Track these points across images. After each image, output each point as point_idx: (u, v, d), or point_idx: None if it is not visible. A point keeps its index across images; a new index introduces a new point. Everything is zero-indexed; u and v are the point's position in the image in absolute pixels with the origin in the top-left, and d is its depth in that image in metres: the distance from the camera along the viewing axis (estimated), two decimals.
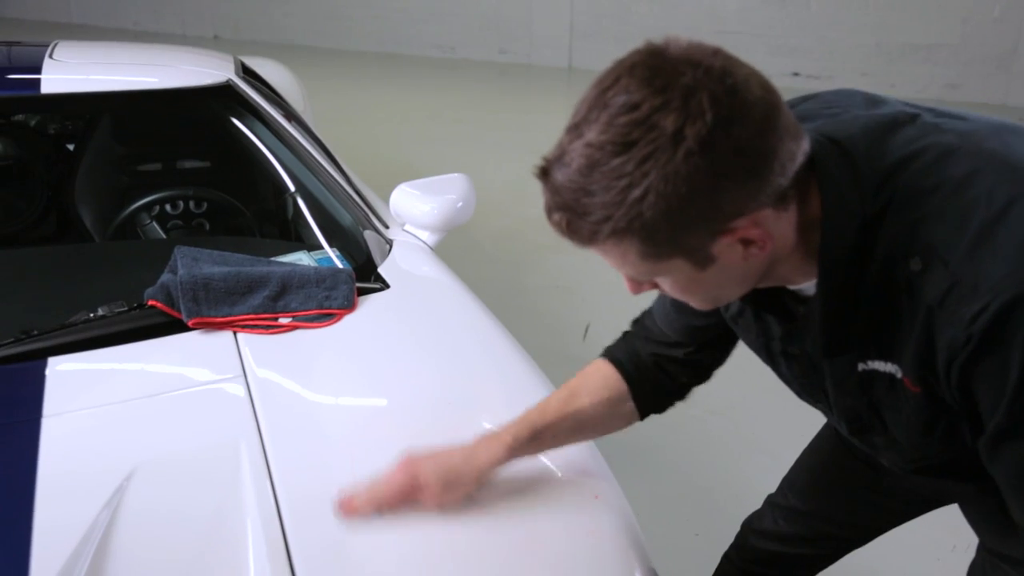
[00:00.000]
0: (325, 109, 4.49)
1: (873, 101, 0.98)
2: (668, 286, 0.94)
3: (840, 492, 1.48)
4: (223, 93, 2.29)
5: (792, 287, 0.98)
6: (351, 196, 2.16)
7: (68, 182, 2.50)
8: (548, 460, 1.32)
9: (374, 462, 1.26)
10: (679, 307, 1.19)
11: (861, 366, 0.97)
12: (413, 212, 2.05)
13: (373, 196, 2.37)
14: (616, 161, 0.78)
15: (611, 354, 1.27)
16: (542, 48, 8.50)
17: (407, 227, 2.08)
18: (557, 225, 0.86)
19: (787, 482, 1.59)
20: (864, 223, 0.87)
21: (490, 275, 3.86)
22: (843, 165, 0.88)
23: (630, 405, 1.24)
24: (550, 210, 0.85)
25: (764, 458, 2.62)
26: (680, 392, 1.27)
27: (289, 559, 1.13)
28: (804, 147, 0.86)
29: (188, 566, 1.14)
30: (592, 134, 0.80)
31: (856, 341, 0.95)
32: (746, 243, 0.85)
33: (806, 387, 1.11)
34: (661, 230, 0.81)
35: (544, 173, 0.85)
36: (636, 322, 1.29)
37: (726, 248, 0.85)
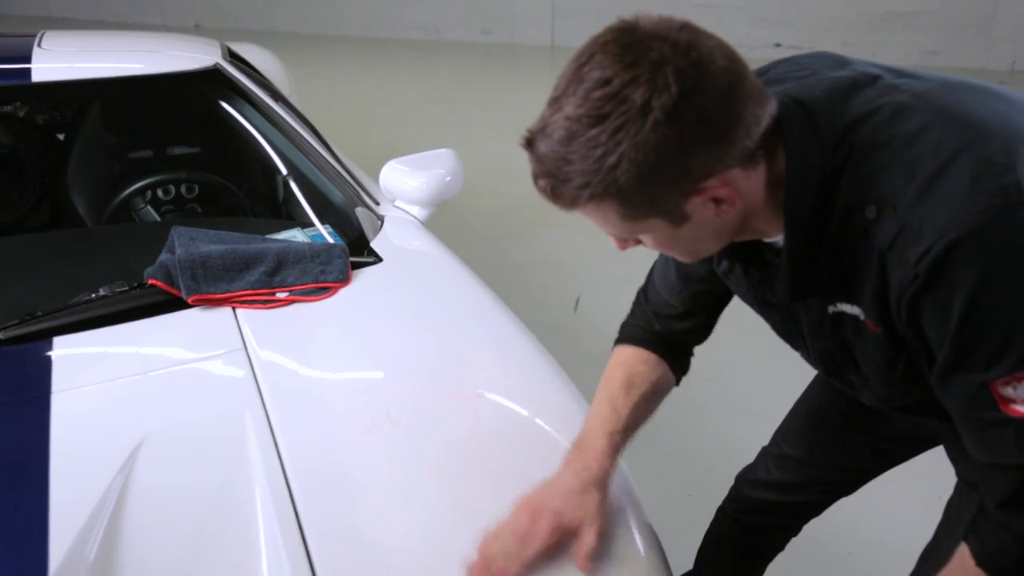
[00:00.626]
0: (313, 94, 4.49)
1: (841, 62, 1.04)
2: (650, 242, 1.00)
3: (831, 436, 1.54)
4: (211, 77, 2.32)
5: (767, 240, 1.04)
6: (341, 175, 2.20)
7: (60, 171, 2.53)
8: (542, 422, 1.37)
9: (373, 427, 1.31)
10: (683, 277, 1.26)
11: (831, 309, 1.03)
12: (403, 188, 2.09)
13: (363, 175, 2.41)
14: (592, 132, 0.85)
15: (636, 340, 1.33)
16: (525, 27, 8.50)
17: (397, 203, 2.12)
18: (543, 191, 0.93)
19: (780, 431, 1.65)
20: (825, 177, 0.94)
21: (481, 252, 3.88)
22: (806, 124, 0.94)
23: (670, 376, 1.32)
24: (536, 177, 0.93)
25: (754, 421, 2.67)
26: (691, 351, 1.35)
27: (299, 526, 1.16)
28: (770, 110, 0.92)
29: (200, 533, 1.18)
30: (570, 107, 0.86)
31: (823, 286, 1.01)
32: (717, 201, 0.92)
33: (787, 334, 1.18)
34: (636, 193, 0.88)
35: (529, 143, 0.92)
36: (640, 302, 1.35)
37: (699, 206, 0.92)
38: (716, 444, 2.61)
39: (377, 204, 2.14)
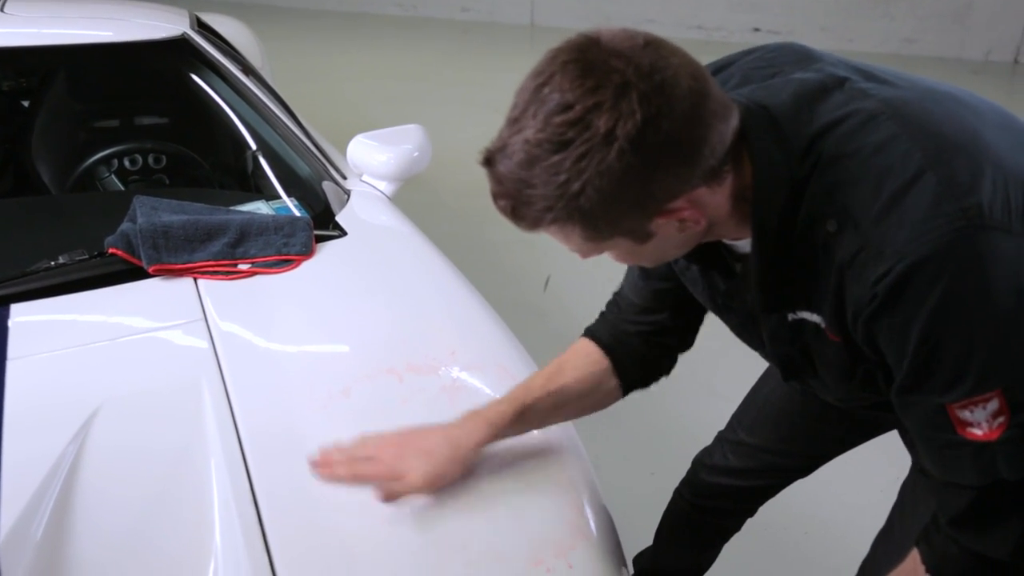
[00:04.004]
0: (288, 68, 4.44)
1: (808, 58, 1.02)
2: (613, 256, 1.00)
3: (785, 423, 1.55)
4: (178, 46, 2.29)
5: (727, 241, 1.03)
6: (309, 148, 2.18)
7: (24, 138, 2.48)
8: (497, 395, 1.37)
9: (328, 398, 1.32)
10: (644, 274, 1.24)
11: (791, 316, 1.02)
12: (370, 162, 2.08)
13: (332, 149, 2.39)
14: (554, 158, 0.83)
15: (591, 332, 1.30)
16: (504, 5, 8.46)
17: (365, 177, 2.11)
18: (503, 211, 0.90)
19: (736, 418, 1.66)
20: (792, 187, 0.91)
21: (454, 230, 3.90)
22: (771, 132, 0.92)
23: (614, 381, 1.27)
24: (496, 197, 0.90)
25: (717, 401, 2.70)
26: (666, 366, 1.31)
27: (253, 493, 1.17)
28: (733, 124, 0.89)
29: (154, 498, 1.18)
30: (530, 131, 0.83)
31: (789, 296, 0.99)
32: (681, 220, 0.90)
33: (746, 336, 1.17)
34: (600, 218, 0.86)
35: (488, 162, 0.89)
36: (610, 303, 1.33)
37: (663, 226, 0.90)
38: (679, 423, 2.64)
39: (344, 178, 2.13)
